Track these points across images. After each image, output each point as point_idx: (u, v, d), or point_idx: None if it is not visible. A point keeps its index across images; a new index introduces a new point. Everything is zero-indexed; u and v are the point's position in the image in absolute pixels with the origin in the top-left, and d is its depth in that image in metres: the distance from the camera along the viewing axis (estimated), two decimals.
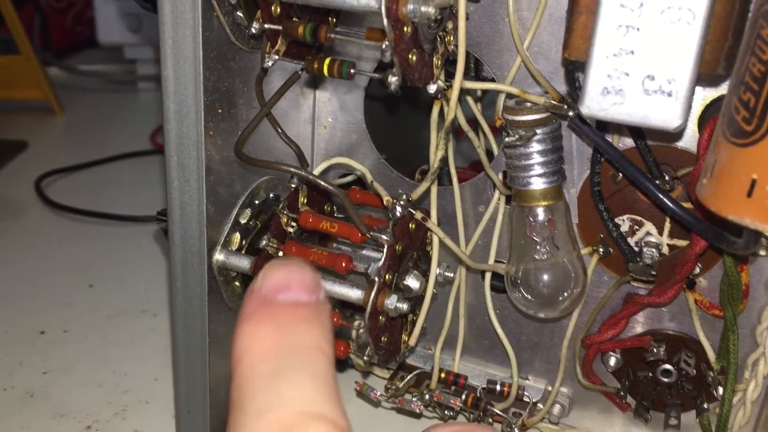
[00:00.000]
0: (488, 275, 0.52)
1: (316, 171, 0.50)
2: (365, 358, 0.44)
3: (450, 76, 0.47)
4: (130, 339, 0.67)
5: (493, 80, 0.47)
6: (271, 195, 0.48)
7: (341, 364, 0.58)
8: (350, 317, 0.46)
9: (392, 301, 0.42)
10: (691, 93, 0.35)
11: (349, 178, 0.56)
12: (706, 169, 0.34)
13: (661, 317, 0.51)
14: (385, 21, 0.35)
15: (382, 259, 0.42)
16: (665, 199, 0.40)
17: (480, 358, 0.57)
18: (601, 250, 0.49)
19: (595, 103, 0.37)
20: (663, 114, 0.35)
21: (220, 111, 0.44)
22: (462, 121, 0.46)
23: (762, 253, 0.45)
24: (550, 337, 0.54)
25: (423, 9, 0.35)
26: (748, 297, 0.46)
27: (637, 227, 0.49)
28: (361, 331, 0.42)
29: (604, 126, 0.46)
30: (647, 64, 0.35)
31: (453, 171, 0.51)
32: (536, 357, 0.55)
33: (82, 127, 1.23)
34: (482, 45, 0.48)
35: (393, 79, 0.38)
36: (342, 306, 0.47)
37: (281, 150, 0.50)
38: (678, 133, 0.45)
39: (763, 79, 0.31)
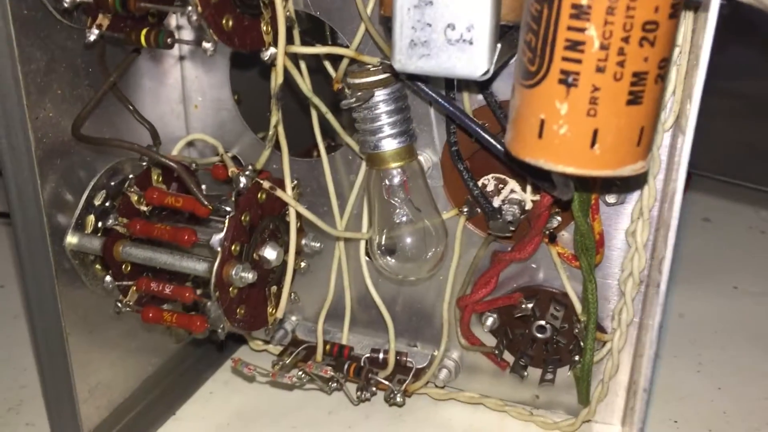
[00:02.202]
0: (362, 243, 0.52)
1: (175, 150, 0.50)
2: (219, 331, 0.43)
3: (304, 43, 0.47)
4: None
5: (347, 47, 0.47)
6: (131, 175, 0.48)
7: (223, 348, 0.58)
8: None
9: (237, 271, 0.42)
10: (493, 39, 0.35)
11: (229, 154, 0.55)
12: (509, 115, 0.34)
13: (535, 273, 0.51)
14: None
15: (224, 230, 0.42)
16: (496, 143, 0.40)
17: (370, 328, 0.57)
18: (465, 210, 0.49)
19: (404, 57, 0.36)
20: (467, 63, 0.35)
21: (59, 92, 0.44)
22: (304, 87, 0.46)
23: (611, 200, 0.45)
24: (432, 302, 0.54)
25: None
26: (603, 246, 0.46)
27: (501, 185, 0.49)
28: (209, 304, 0.42)
29: (451, 84, 0.46)
30: (446, 14, 0.35)
31: (320, 140, 0.50)
32: (422, 323, 0.56)
33: None
34: (332, 12, 0.48)
35: (207, 45, 0.37)
36: (204, 283, 0.47)
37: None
38: None
39: (539, 17, 0.31)
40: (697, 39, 0.36)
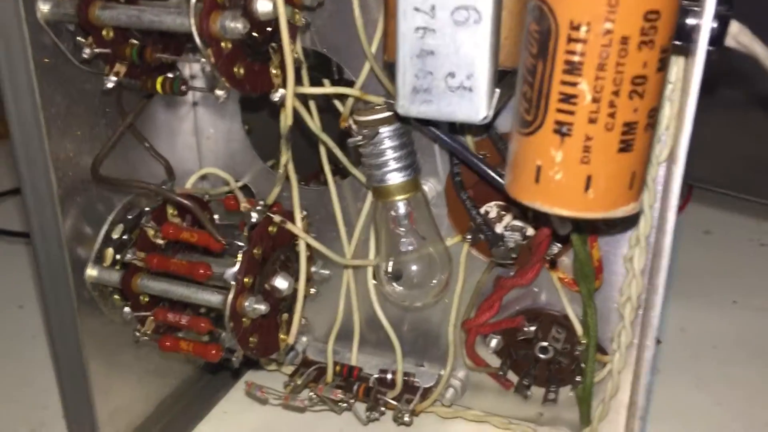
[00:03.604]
0: (370, 269, 0.54)
1: (189, 183, 0.52)
2: (234, 359, 0.45)
3: (315, 82, 0.49)
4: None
5: (353, 82, 0.49)
6: (147, 209, 0.50)
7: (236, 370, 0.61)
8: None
9: (250, 303, 0.44)
10: (492, 86, 0.37)
11: (239, 184, 0.57)
12: (507, 159, 0.36)
13: (537, 296, 0.53)
14: (197, 40, 0.37)
15: (237, 265, 0.44)
16: (497, 177, 0.42)
17: (378, 348, 0.59)
18: (469, 237, 0.51)
19: (407, 102, 0.38)
20: (467, 108, 0.37)
21: (78, 132, 0.46)
22: (312, 125, 0.47)
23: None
24: (438, 324, 0.56)
25: (232, 25, 0.37)
26: (602, 272, 0.48)
27: (503, 213, 0.51)
28: (224, 334, 0.44)
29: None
30: (447, 63, 0.37)
31: (327, 170, 0.52)
32: (429, 344, 0.57)
33: None
34: (340, 49, 0.49)
35: (219, 93, 0.39)
36: (217, 310, 0.49)
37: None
38: None
39: (534, 71, 0.33)
40: (687, 82, 0.37)
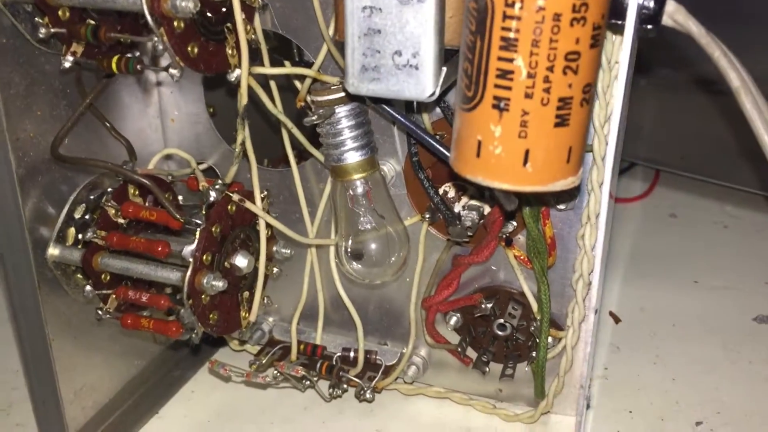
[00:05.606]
0: (332, 249, 0.55)
1: (151, 164, 0.53)
2: (193, 336, 0.46)
3: (277, 64, 0.50)
4: None
5: (313, 65, 0.50)
6: (109, 189, 0.50)
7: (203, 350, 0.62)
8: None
9: (208, 280, 0.45)
10: (438, 64, 0.38)
11: (203, 166, 0.58)
12: (452, 135, 0.37)
13: (496, 274, 0.54)
14: (149, 19, 0.37)
15: (195, 242, 0.44)
16: (448, 154, 0.43)
17: (343, 328, 0.60)
18: (427, 216, 0.52)
19: (357, 81, 0.39)
20: (414, 86, 0.38)
21: (39, 113, 0.46)
22: (270, 105, 0.48)
23: (561, 207, 0.48)
24: (401, 303, 0.57)
25: (182, 4, 0.37)
26: (555, 249, 0.49)
27: (461, 192, 0.52)
28: (183, 311, 0.45)
29: (410, 102, 0.48)
30: (393, 42, 0.38)
31: (290, 152, 0.53)
32: (392, 323, 0.58)
33: None
34: (298, 31, 0.50)
35: (173, 71, 0.40)
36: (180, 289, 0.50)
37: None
38: None
39: (473, 48, 0.34)
40: (620, 59, 0.38)
